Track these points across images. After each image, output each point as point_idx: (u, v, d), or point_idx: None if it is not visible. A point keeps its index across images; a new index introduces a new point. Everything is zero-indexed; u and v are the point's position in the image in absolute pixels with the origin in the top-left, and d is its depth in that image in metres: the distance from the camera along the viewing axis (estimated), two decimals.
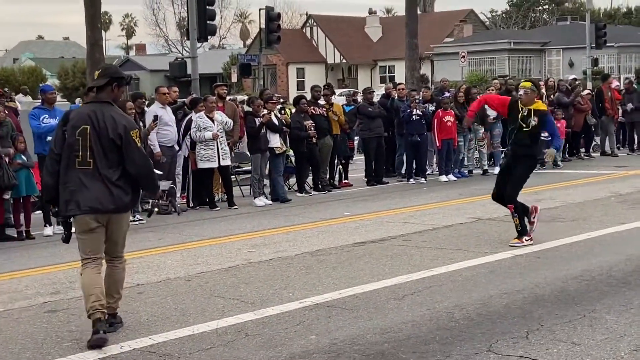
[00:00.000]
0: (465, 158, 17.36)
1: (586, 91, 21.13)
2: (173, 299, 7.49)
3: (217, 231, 11.51)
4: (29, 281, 8.54)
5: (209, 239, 10.83)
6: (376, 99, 17.99)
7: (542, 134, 10.18)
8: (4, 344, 6.28)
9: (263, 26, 26.17)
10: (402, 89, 17.50)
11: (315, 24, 67.13)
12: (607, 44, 40.79)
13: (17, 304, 7.53)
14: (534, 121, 9.39)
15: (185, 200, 14.29)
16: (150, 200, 11.45)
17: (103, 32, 26.79)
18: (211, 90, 15.73)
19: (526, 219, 9.53)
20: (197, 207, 14.02)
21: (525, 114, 9.42)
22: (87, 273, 6.25)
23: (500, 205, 9.82)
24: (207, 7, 20.80)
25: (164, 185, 11.54)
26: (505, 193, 9.59)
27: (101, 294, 6.19)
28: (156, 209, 11.79)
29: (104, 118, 6.24)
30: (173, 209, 13.28)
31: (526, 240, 9.38)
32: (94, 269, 6.26)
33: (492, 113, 17.28)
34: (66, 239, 6.49)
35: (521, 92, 9.57)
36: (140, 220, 12.40)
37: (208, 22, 20.90)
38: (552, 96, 19.16)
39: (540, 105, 9.73)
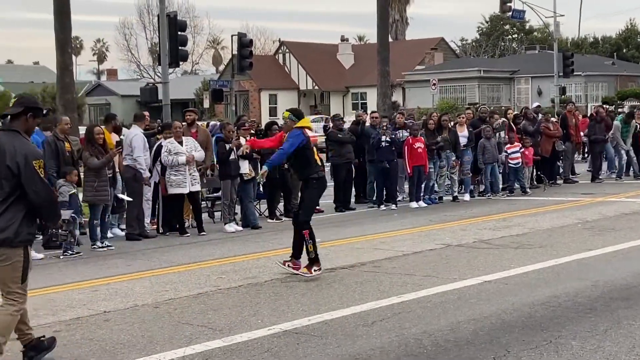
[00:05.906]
0: (436, 185, 17.45)
1: (554, 118, 21.38)
2: (140, 326, 7.44)
3: (186, 257, 11.45)
4: None
5: (178, 266, 10.77)
6: (347, 125, 18.09)
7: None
8: None
9: (235, 52, 26.26)
10: (376, 117, 17.65)
11: (287, 50, 67.41)
12: (575, 73, 41.44)
13: None
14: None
15: (155, 226, 14.22)
16: (50, 230, 11.32)
17: (74, 57, 26.70)
18: (182, 115, 15.84)
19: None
20: (167, 234, 13.94)
21: None
22: None
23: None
24: (179, 32, 20.83)
25: (65, 214, 11.15)
26: (297, 219, 9.64)
27: None
28: (54, 239, 11.57)
29: (5, 146, 6.01)
30: (72, 239, 11.77)
31: (315, 271, 9.41)
32: None
33: (462, 140, 17.48)
34: None
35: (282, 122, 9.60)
36: (108, 246, 12.35)
37: (180, 47, 20.93)
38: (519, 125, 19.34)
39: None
